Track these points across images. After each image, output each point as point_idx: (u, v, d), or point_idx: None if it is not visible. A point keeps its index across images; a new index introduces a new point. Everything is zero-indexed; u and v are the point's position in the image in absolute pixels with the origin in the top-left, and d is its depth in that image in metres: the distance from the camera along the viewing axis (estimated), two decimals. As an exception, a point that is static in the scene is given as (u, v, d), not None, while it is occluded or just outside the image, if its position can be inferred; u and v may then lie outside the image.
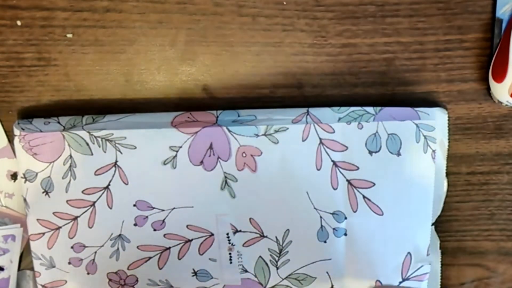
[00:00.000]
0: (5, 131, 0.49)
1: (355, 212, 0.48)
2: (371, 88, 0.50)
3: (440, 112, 0.49)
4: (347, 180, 0.48)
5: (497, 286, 0.54)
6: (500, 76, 0.48)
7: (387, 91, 0.50)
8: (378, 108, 0.48)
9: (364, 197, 0.48)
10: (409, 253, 0.49)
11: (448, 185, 0.51)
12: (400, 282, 0.50)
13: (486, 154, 0.52)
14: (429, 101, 0.50)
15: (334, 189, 0.48)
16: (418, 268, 0.50)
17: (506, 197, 0.53)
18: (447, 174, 0.51)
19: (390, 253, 0.49)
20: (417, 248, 0.49)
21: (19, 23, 0.47)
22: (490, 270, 0.54)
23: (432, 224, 0.51)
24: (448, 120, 0.50)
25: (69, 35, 0.47)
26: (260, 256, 0.49)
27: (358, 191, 0.48)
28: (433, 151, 0.48)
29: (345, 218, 0.48)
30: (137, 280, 0.49)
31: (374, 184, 0.48)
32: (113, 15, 0.47)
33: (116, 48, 0.48)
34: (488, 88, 0.50)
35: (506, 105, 0.49)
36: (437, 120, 0.49)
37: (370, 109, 0.48)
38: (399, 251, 0.49)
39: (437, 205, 0.51)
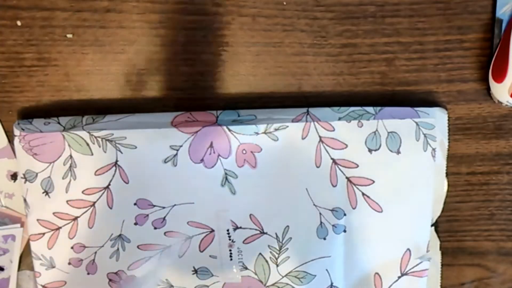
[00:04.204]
0: (5, 131, 0.49)
1: (354, 209, 0.48)
2: (371, 88, 0.50)
3: (440, 112, 0.50)
4: (346, 178, 0.48)
5: (497, 286, 0.54)
6: (500, 76, 0.48)
7: (387, 91, 0.50)
8: (378, 108, 0.49)
9: (363, 194, 0.48)
10: (408, 249, 0.49)
11: (448, 185, 0.51)
12: (399, 277, 0.50)
13: (486, 154, 0.52)
14: (429, 101, 0.50)
15: (334, 186, 0.48)
16: (417, 264, 0.50)
17: (506, 197, 0.53)
18: (447, 174, 0.51)
19: (389, 248, 0.49)
20: (417, 244, 0.49)
21: (19, 23, 0.47)
22: (490, 270, 0.54)
23: (432, 225, 0.51)
24: (448, 120, 0.50)
25: (69, 35, 0.47)
26: (260, 253, 0.49)
27: (358, 188, 0.48)
28: (433, 149, 0.48)
29: (344, 214, 0.48)
30: (137, 280, 0.49)
31: (374, 181, 0.48)
32: (113, 15, 0.47)
33: (116, 48, 0.48)
34: (488, 88, 0.50)
35: (506, 105, 0.49)
36: (437, 120, 0.49)
37: (370, 109, 0.48)
38: (398, 246, 0.49)
39: (437, 206, 0.51)
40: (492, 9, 0.49)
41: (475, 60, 0.50)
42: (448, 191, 0.52)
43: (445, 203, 0.51)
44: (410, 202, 0.49)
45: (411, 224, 0.49)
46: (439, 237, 0.52)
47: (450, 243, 0.53)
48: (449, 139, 0.50)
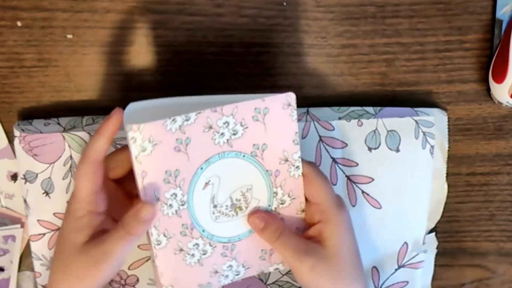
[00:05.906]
0: (5, 132, 0.49)
1: (354, 206, 0.48)
2: (371, 89, 0.50)
3: (439, 113, 0.50)
4: (346, 176, 0.48)
5: (497, 287, 0.54)
6: (500, 77, 0.48)
7: (387, 92, 0.50)
8: (378, 108, 0.49)
9: (363, 192, 0.48)
10: (405, 242, 0.50)
11: (448, 186, 0.51)
12: (396, 270, 0.50)
13: (486, 155, 0.52)
14: (429, 102, 0.50)
15: (334, 184, 0.48)
16: (414, 256, 0.50)
17: (506, 198, 0.53)
18: (447, 175, 0.51)
19: (387, 242, 0.50)
20: (414, 238, 0.50)
21: (19, 24, 0.47)
22: (490, 271, 0.54)
23: (432, 230, 0.51)
24: (448, 121, 0.50)
25: (69, 36, 0.47)
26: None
27: (357, 186, 0.48)
28: (432, 146, 0.48)
29: None
30: (137, 280, 0.49)
31: (373, 179, 0.48)
32: (113, 16, 0.47)
33: (117, 49, 0.48)
34: (488, 89, 0.50)
35: (506, 106, 0.49)
36: (436, 122, 0.49)
37: (370, 109, 0.49)
38: (396, 240, 0.50)
39: (437, 210, 0.51)
40: (492, 9, 0.49)
41: (475, 61, 0.50)
42: (448, 192, 0.52)
43: (445, 204, 0.51)
44: (408, 197, 0.49)
45: (409, 218, 0.49)
46: (438, 238, 0.52)
47: (450, 244, 0.53)
48: (449, 140, 0.50)
